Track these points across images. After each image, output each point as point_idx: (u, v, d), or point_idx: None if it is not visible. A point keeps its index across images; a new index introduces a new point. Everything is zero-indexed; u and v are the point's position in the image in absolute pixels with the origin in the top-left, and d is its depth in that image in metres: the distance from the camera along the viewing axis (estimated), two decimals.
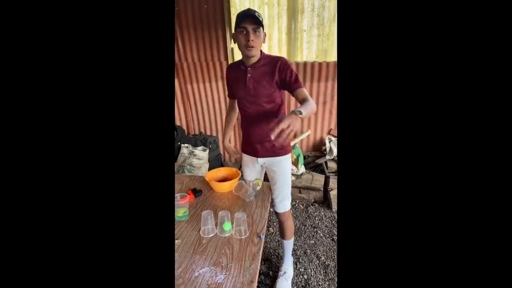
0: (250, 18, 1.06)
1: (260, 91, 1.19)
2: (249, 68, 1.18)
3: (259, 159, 1.35)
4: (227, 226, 1.00)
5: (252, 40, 1.08)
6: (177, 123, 2.84)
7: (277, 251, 1.76)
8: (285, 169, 1.32)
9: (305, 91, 1.15)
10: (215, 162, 2.57)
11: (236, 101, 1.36)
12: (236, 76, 1.25)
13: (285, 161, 1.32)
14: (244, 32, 1.08)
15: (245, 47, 1.11)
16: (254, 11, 1.08)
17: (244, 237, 0.99)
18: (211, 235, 1.01)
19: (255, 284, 0.79)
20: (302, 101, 1.10)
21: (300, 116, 0.93)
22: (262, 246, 0.96)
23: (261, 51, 1.19)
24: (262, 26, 1.10)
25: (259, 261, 0.88)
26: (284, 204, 1.36)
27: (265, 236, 1.05)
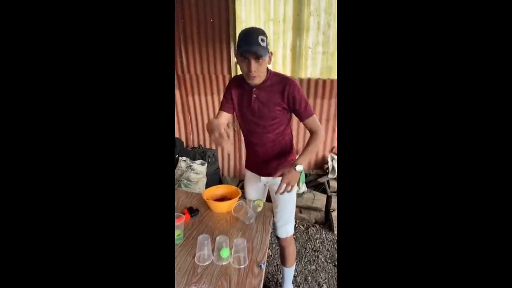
0: (251, 51, 0.96)
1: (265, 114, 1.12)
2: (254, 89, 1.11)
3: (262, 177, 1.27)
4: (225, 252, 0.91)
5: (255, 70, 1.00)
6: (176, 135, 2.78)
7: (275, 276, 1.64)
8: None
9: (315, 120, 1.10)
10: (213, 176, 2.49)
11: (225, 115, 1.21)
12: (241, 93, 1.16)
13: None
14: (246, 60, 1.00)
15: (247, 76, 1.04)
16: (258, 37, 0.95)
17: (243, 266, 0.90)
18: (207, 262, 0.91)
19: None
20: (310, 132, 1.12)
21: (299, 170, 1.02)
22: (263, 278, 0.87)
23: (267, 68, 1.11)
24: (268, 50, 1.00)
25: None
26: (286, 228, 1.26)
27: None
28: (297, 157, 1.12)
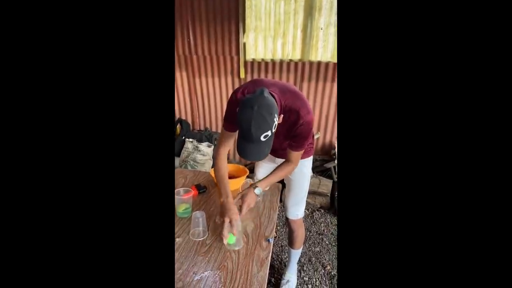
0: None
1: (275, 146, 0.96)
2: None
3: (277, 158, 1.25)
4: (231, 239, 0.87)
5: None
6: (183, 117, 2.77)
7: (280, 256, 1.66)
8: (303, 173, 1.20)
9: (299, 156, 1.02)
10: None
11: (232, 136, 1.06)
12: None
13: (303, 165, 1.17)
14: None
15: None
16: (261, 135, 0.75)
17: (250, 241, 0.90)
18: (201, 238, 0.90)
19: None
20: (286, 159, 1.05)
21: (258, 193, 1.02)
22: (271, 251, 0.87)
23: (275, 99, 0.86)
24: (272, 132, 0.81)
25: (268, 268, 0.79)
26: (297, 210, 1.25)
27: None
28: (258, 181, 1.06)
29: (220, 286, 0.71)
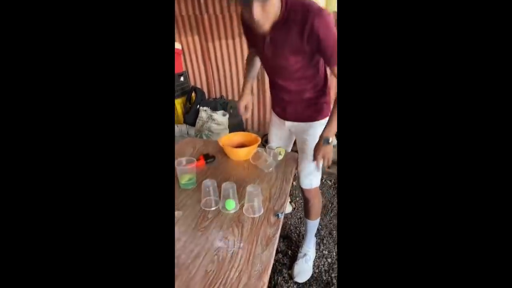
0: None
1: (281, 63, 0.88)
2: (267, 35, 0.84)
3: (286, 122, 1.10)
4: (231, 204, 0.81)
5: (258, 16, 0.71)
6: (198, 84, 2.65)
7: (298, 228, 1.58)
8: (317, 138, 1.04)
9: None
10: (236, 128, 2.38)
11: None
12: (253, 34, 0.88)
13: (320, 128, 1.00)
14: (247, 3, 0.70)
15: (251, 20, 0.74)
16: None
17: (257, 215, 0.80)
18: (213, 208, 0.83)
19: (267, 277, 0.60)
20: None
21: (331, 143, 0.94)
22: (279, 228, 0.77)
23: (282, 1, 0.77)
24: None
25: (274, 248, 0.69)
26: (311, 179, 1.12)
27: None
28: (324, 128, 0.95)
29: (214, 269, 0.62)
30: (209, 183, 0.83)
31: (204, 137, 2.15)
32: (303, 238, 1.38)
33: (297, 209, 1.74)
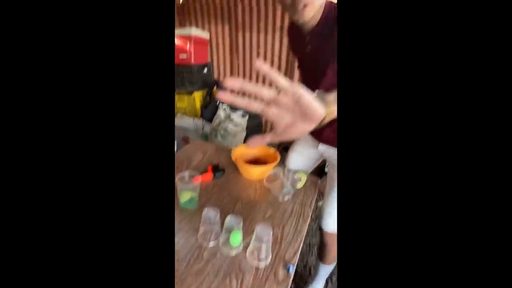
0: None
1: (323, 65, 0.72)
2: (307, 35, 0.74)
3: (321, 145, 0.93)
4: (236, 238, 0.65)
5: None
6: (221, 78, 2.51)
7: (306, 257, 1.41)
8: None
9: None
10: (254, 131, 2.22)
11: None
12: (294, 41, 0.85)
13: None
14: None
15: (292, 7, 0.62)
16: None
17: (263, 264, 0.64)
18: (212, 244, 0.68)
19: None
20: None
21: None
22: (289, 286, 0.61)
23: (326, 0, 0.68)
24: None
25: None
26: (336, 220, 0.94)
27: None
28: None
29: None
30: (210, 214, 0.68)
31: (219, 137, 2.01)
32: (310, 274, 1.21)
33: (306, 234, 1.57)
